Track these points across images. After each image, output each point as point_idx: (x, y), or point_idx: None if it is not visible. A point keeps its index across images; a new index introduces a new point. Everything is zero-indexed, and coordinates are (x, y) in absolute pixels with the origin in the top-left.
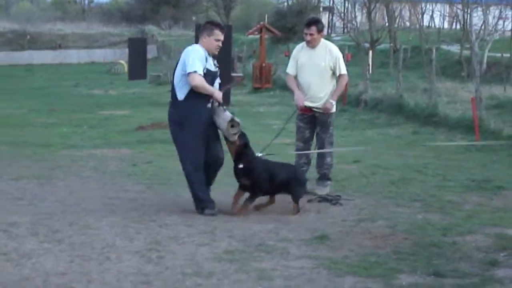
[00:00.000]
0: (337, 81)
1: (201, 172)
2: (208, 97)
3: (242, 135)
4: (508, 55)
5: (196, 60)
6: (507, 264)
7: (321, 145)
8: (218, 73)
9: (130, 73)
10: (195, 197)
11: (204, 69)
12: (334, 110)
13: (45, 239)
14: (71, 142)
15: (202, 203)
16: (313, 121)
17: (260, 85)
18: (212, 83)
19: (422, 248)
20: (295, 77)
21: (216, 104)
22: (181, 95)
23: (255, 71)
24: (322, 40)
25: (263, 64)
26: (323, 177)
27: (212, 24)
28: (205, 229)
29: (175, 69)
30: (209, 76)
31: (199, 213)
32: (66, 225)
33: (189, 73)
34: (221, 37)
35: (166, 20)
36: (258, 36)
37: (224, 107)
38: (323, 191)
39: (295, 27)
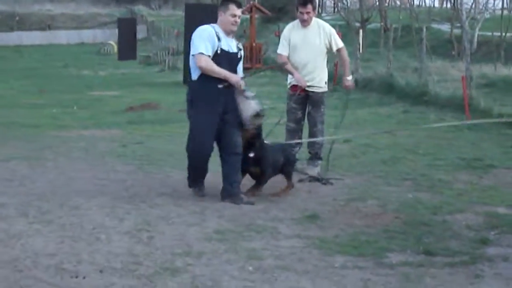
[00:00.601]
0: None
1: (201, 158)
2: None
3: (258, 126)
4: (499, 33)
5: (201, 41)
6: (498, 242)
7: (313, 125)
8: (241, 56)
9: (120, 53)
10: (188, 177)
11: (217, 49)
12: (326, 89)
13: (34, 220)
14: (60, 123)
15: (188, 179)
16: (305, 101)
17: (251, 65)
18: (229, 66)
19: (413, 226)
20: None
21: (239, 89)
22: (194, 75)
23: (246, 51)
24: (313, 18)
25: (254, 44)
26: (315, 157)
27: (227, 0)
28: (195, 209)
29: (189, 48)
30: (224, 57)
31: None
32: (56, 206)
33: (193, 55)
34: (238, 12)
35: (156, 0)
36: (248, 15)
37: (247, 93)
38: (314, 170)
39: (285, 6)
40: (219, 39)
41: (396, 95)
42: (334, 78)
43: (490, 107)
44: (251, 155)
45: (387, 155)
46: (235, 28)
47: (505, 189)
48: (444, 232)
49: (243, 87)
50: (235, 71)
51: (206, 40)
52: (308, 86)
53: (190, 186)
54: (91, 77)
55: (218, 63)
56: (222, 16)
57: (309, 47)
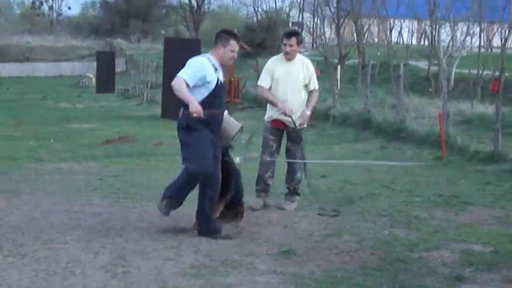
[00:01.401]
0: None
1: (206, 172)
2: (221, 106)
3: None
4: (476, 71)
5: (189, 69)
6: (473, 279)
7: (292, 159)
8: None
9: (98, 86)
10: (176, 189)
11: (218, 81)
12: (305, 124)
13: (9, 253)
14: (37, 156)
15: (173, 199)
16: (281, 135)
17: (229, 100)
18: (224, 95)
19: (389, 263)
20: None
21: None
22: None
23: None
24: (298, 54)
25: (232, 79)
26: (293, 192)
27: (227, 34)
28: (172, 244)
29: None
30: (222, 88)
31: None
32: (31, 239)
33: (177, 75)
34: (237, 48)
35: (135, 34)
36: None
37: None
38: (291, 206)
39: (264, 41)
40: (216, 69)
41: (374, 131)
42: (312, 114)
43: (467, 144)
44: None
45: (364, 191)
46: (232, 62)
47: (481, 227)
48: (420, 269)
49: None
50: (224, 98)
51: (195, 71)
52: (286, 121)
53: (161, 199)
54: (69, 109)
55: (218, 93)
56: (221, 50)
57: (292, 82)
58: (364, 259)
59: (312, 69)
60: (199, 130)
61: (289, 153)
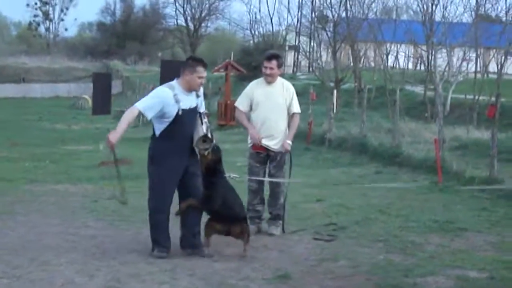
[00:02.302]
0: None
1: (164, 214)
2: (184, 136)
3: (216, 150)
4: (472, 96)
5: (149, 99)
6: None
7: (276, 184)
8: (201, 102)
9: (94, 108)
10: (151, 236)
11: (178, 111)
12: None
13: (4, 275)
14: (33, 177)
15: (155, 244)
16: (266, 160)
17: (225, 122)
18: (192, 121)
19: None
20: (246, 113)
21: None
22: (157, 132)
23: (220, 108)
24: (278, 77)
25: (228, 102)
26: (276, 217)
27: (194, 61)
28: (166, 267)
29: None
30: (186, 115)
31: (150, 253)
32: (26, 261)
33: (135, 105)
34: (204, 74)
35: (132, 56)
36: (223, 73)
37: (205, 120)
38: (277, 230)
39: (260, 65)
40: (177, 101)
41: (369, 156)
42: (308, 137)
43: (463, 169)
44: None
45: (360, 215)
46: (200, 88)
47: (476, 253)
48: None
49: None
50: (195, 123)
51: (153, 107)
52: (268, 145)
53: (152, 249)
54: (65, 131)
55: (182, 122)
56: (188, 76)
57: (271, 105)
58: (360, 284)
59: (292, 91)
60: (160, 162)
61: (271, 178)
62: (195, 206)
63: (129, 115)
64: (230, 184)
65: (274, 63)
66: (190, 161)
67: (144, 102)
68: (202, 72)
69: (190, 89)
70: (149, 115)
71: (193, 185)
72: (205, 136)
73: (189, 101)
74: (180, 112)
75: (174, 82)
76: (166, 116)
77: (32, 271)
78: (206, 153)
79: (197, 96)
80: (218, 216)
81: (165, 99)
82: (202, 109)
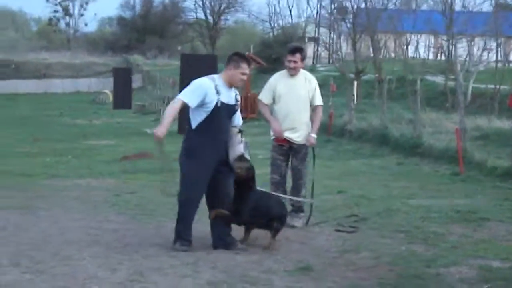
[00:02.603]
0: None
1: (193, 207)
2: (221, 130)
3: (251, 169)
4: (493, 86)
5: (190, 91)
6: None
7: (298, 178)
8: (238, 106)
9: (115, 102)
10: (176, 227)
11: (217, 102)
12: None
13: (27, 269)
14: (54, 172)
15: (177, 236)
16: (289, 153)
17: (245, 115)
18: (228, 117)
19: (406, 279)
20: (269, 105)
21: (236, 132)
22: (193, 124)
23: (241, 101)
24: (301, 69)
25: (248, 94)
26: (298, 210)
27: (239, 57)
28: (188, 260)
29: None
30: (224, 109)
31: (171, 246)
32: (49, 255)
33: (177, 97)
34: (247, 71)
35: (152, 50)
36: None
37: (242, 138)
38: (300, 222)
39: (280, 57)
40: (218, 92)
41: (390, 147)
42: (329, 128)
43: (484, 159)
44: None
45: (381, 206)
46: (241, 84)
47: (499, 243)
48: (437, 285)
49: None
50: (230, 121)
51: (195, 91)
52: (291, 138)
53: (174, 241)
54: (86, 126)
55: (219, 115)
56: (232, 71)
57: (294, 97)
58: (382, 275)
59: (315, 84)
60: (195, 155)
61: (294, 170)
62: (225, 216)
63: (172, 108)
64: (260, 191)
65: (298, 56)
66: (224, 158)
67: (186, 92)
68: (246, 68)
69: (231, 84)
70: (193, 103)
71: (224, 185)
72: (242, 156)
73: (228, 96)
74: (219, 104)
75: (215, 75)
76: (206, 106)
77: (55, 265)
78: (239, 171)
79: (236, 100)
80: (253, 223)
81: (207, 88)
82: (238, 119)
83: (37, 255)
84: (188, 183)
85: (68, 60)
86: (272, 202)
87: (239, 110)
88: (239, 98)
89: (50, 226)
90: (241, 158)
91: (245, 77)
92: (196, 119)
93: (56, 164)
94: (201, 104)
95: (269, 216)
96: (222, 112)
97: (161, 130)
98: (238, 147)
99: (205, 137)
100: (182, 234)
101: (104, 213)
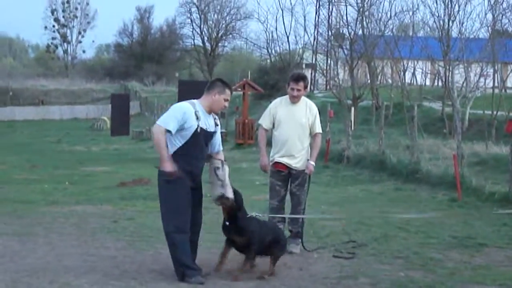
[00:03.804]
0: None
1: (185, 234)
2: (197, 157)
3: (236, 194)
4: (490, 112)
5: (171, 117)
6: None
7: (297, 204)
8: (217, 133)
9: (113, 129)
10: (176, 261)
11: (197, 128)
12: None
13: None
14: (52, 199)
15: (185, 269)
16: (287, 179)
17: (243, 141)
18: (206, 144)
19: None
20: (268, 131)
21: (214, 166)
22: (171, 149)
23: (238, 127)
24: (302, 96)
25: (246, 121)
26: (296, 235)
27: (223, 83)
28: (186, 287)
29: None
30: (202, 135)
31: (180, 280)
32: (46, 283)
33: (156, 123)
34: (229, 98)
35: (149, 76)
36: (241, 92)
37: (219, 172)
38: (297, 248)
39: (277, 83)
40: (197, 117)
41: (388, 173)
42: (326, 155)
43: (482, 185)
44: (227, 223)
45: (379, 232)
46: (220, 111)
47: (497, 268)
48: None
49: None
50: (207, 148)
51: (176, 119)
52: (289, 164)
53: (191, 276)
54: (84, 152)
55: (197, 141)
56: (216, 97)
57: (294, 124)
58: None
59: (315, 111)
60: (176, 181)
61: (293, 196)
62: (252, 260)
63: (159, 138)
64: (256, 219)
65: (301, 84)
66: (197, 184)
67: (166, 118)
68: (229, 95)
69: (212, 109)
70: (173, 127)
71: (194, 210)
72: (223, 196)
73: (207, 122)
74: (198, 130)
75: (195, 101)
76: (185, 132)
77: None
78: (224, 205)
79: (216, 124)
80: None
81: (187, 112)
82: (219, 146)
83: (35, 282)
84: (174, 210)
85: (66, 86)
86: (269, 228)
87: (219, 136)
88: (218, 122)
89: (48, 253)
90: (221, 197)
91: (226, 104)
92: (174, 144)
93: (54, 191)
94: (180, 129)
95: (265, 242)
96: (201, 139)
97: (166, 165)
98: (218, 188)
99: (183, 163)
100: (189, 264)
101: (101, 240)
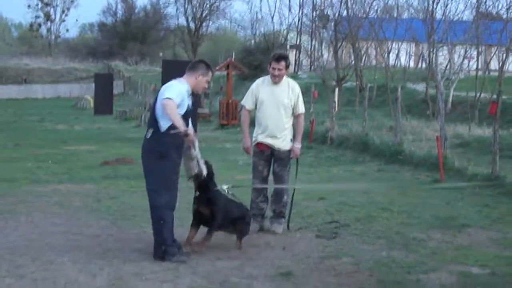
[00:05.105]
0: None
1: (172, 211)
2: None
3: (208, 166)
4: (473, 94)
5: (176, 92)
6: None
7: (280, 182)
8: (192, 112)
9: (96, 108)
10: (160, 238)
11: (186, 106)
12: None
13: (7, 274)
14: (35, 177)
15: (168, 247)
16: (270, 159)
17: (227, 122)
18: (186, 121)
19: (386, 285)
20: (251, 111)
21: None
22: (164, 126)
23: (222, 108)
24: (284, 76)
25: (230, 101)
26: (279, 215)
27: (206, 65)
28: (169, 266)
29: (155, 101)
30: (189, 114)
31: (159, 259)
32: (29, 260)
33: (164, 98)
34: (210, 79)
35: (133, 56)
36: (225, 72)
37: (192, 151)
38: (279, 228)
39: (262, 64)
40: (188, 96)
41: (371, 154)
42: (310, 135)
43: (465, 166)
44: (197, 194)
45: (362, 213)
46: (201, 92)
47: (479, 249)
48: None
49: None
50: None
51: (179, 95)
52: (272, 144)
53: (173, 254)
54: (67, 131)
55: (186, 119)
56: (199, 78)
57: (276, 104)
58: (362, 281)
59: (298, 90)
60: (169, 157)
61: (276, 176)
62: (211, 235)
63: (175, 110)
64: (223, 195)
65: (282, 64)
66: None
67: (174, 94)
68: (210, 77)
69: (194, 90)
70: (178, 102)
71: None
72: (197, 175)
73: (189, 101)
74: (189, 108)
75: (183, 80)
76: (180, 109)
77: (35, 270)
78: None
79: (192, 101)
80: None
81: (185, 91)
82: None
83: (18, 259)
84: (166, 186)
85: (49, 65)
86: (235, 205)
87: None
88: (192, 99)
89: (31, 231)
90: (197, 175)
91: (207, 85)
92: (167, 121)
93: (37, 170)
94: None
95: (230, 218)
96: (188, 116)
97: (192, 133)
98: (193, 166)
99: (174, 140)
100: (170, 243)
101: (84, 219)
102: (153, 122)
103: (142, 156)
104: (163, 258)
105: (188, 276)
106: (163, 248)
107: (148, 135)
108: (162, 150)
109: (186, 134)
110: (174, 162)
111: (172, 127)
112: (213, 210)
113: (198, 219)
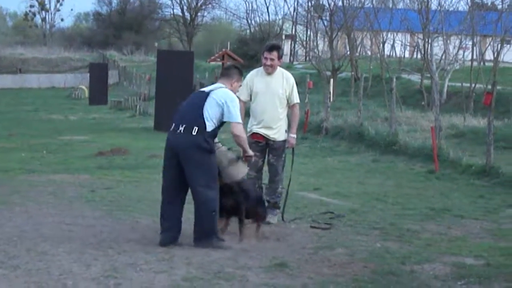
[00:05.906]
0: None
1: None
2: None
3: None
4: (468, 84)
5: (239, 110)
6: None
7: (275, 174)
8: None
9: (91, 98)
10: (213, 229)
11: None
12: (286, 137)
13: (1, 264)
14: (29, 167)
15: (215, 237)
16: (265, 149)
17: None
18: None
19: (381, 276)
20: (246, 102)
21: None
22: (209, 127)
23: None
24: (278, 67)
25: None
26: (274, 206)
27: (239, 71)
28: (164, 256)
29: (205, 99)
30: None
31: (203, 247)
32: (23, 251)
33: (234, 122)
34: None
35: (128, 46)
36: (220, 63)
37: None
38: (274, 219)
39: (257, 54)
40: None
41: (366, 144)
42: (305, 125)
43: (459, 157)
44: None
45: (356, 204)
46: None
47: (473, 240)
48: (411, 282)
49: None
50: None
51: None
52: (267, 135)
53: (211, 238)
54: (61, 121)
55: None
56: (235, 85)
57: (271, 95)
58: (356, 271)
59: (292, 82)
60: (214, 154)
61: (271, 167)
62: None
63: (245, 137)
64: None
65: (275, 54)
66: None
67: (239, 115)
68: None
69: None
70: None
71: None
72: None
73: None
74: None
75: (224, 85)
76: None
77: (29, 261)
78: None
79: None
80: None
81: None
82: None
83: (11, 250)
84: (214, 180)
85: (44, 55)
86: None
87: None
88: None
89: (25, 221)
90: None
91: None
92: (212, 125)
93: (31, 160)
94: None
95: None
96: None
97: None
98: (239, 166)
99: (214, 138)
100: (217, 232)
101: (79, 209)
102: (199, 120)
103: (186, 151)
104: (208, 246)
105: (183, 267)
106: (213, 237)
107: (194, 132)
108: (209, 147)
109: (250, 156)
110: (216, 158)
111: (214, 131)
112: (237, 201)
113: (225, 211)
